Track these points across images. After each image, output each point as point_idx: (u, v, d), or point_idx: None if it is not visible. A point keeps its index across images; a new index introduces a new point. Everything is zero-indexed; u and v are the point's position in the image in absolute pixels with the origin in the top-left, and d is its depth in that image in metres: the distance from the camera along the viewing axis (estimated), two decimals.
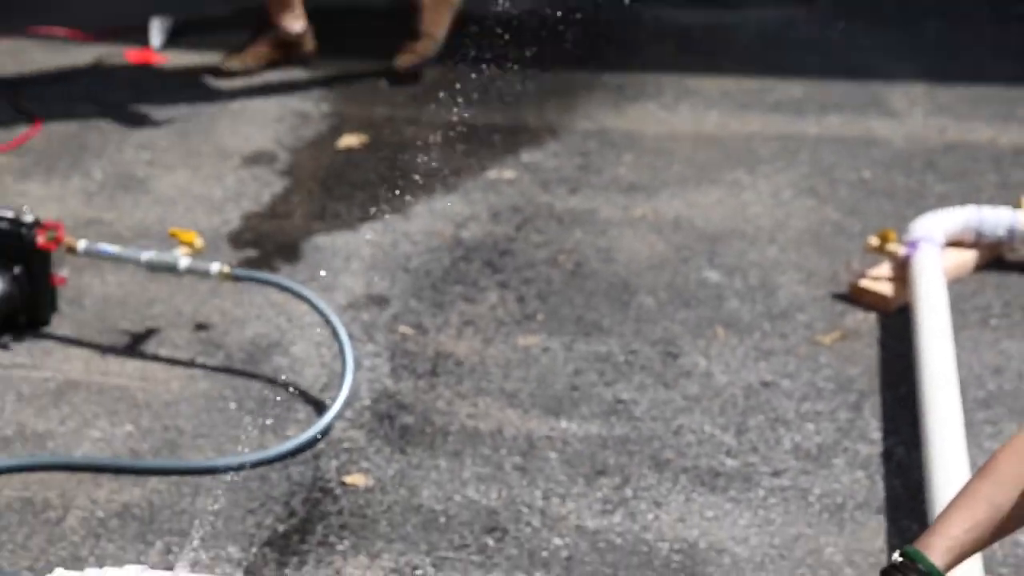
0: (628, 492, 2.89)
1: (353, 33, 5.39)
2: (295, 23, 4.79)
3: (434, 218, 4.04)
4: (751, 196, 4.17)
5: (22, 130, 4.45)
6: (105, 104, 4.68)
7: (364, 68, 5.09)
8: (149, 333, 3.43)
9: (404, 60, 5.04)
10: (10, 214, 3.35)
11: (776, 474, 2.97)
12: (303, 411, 3.16)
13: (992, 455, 2.31)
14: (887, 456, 3.03)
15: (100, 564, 2.44)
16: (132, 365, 3.31)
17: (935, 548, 2.21)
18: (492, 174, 4.31)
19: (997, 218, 3.76)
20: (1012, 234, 3.74)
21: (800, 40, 5.39)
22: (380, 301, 3.60)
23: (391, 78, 4.91)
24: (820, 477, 2.96)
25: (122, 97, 4.75)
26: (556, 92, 4.89)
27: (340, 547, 2.71)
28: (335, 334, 3.27)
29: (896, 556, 2.21)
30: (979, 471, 2.31)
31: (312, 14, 5.45)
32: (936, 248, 3.61)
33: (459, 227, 3.98)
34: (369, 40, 5.30)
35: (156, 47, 5.01)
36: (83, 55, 4.87)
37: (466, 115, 4.56)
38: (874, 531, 2.77)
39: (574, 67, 5.08)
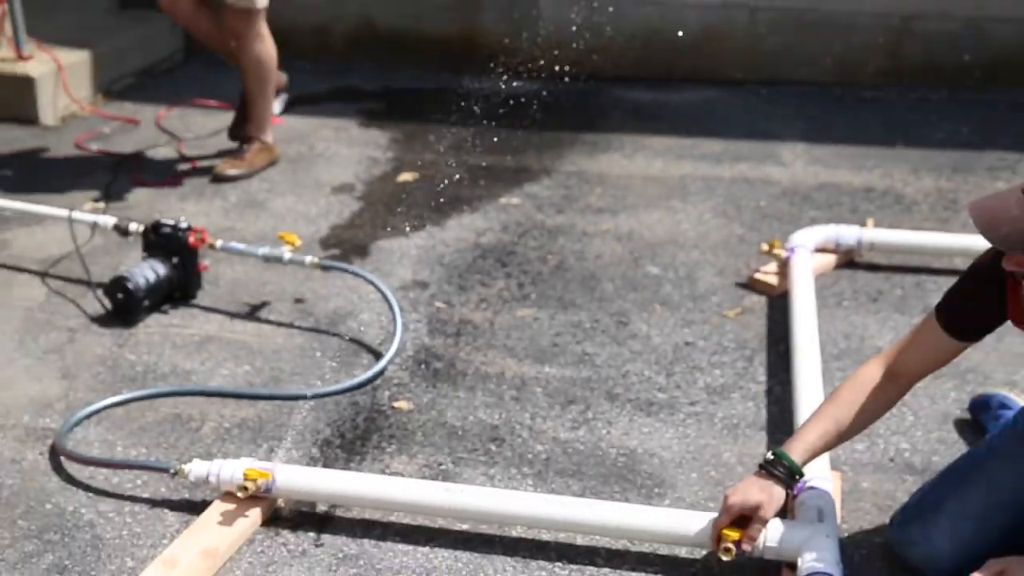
0: (589, 415, 2.91)
1: (409, 104, 5.35)
2: (270, 136, 4.39)
3: (461, 229, 4.01)
4: (682, 217, 4.13)
5: (185, 168, 4.48)
6: None
7: (416, 130, 5.02)
8: (262, 304, 3.43)
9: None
10: (172, 222, 3.36)
11: (692, 404, 2.98)
12: (366, 358, 3.16)
13: (837, 387, 2.30)
14: (769, 392, 3.02)
15: (224, 458, 2.44)
16: (250, 326, 3.31)
17: (795, 450, 2.21)
18: (503, 200, 4.27)
19: (850, 233, 3.73)
20: (859, 244, 3.71)
21: (718, 112, 5.34)
22: (422, 285, 3.58)
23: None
24: (722, 406, 2.96)
25: None
26: (548, 145, 4.85)
27: (388, 450, 2.76)
28: (390, 307, 3.27)
29: (769, 455, 2.23)
30: (828, 397, 2.31)
31: (384, 94, 5.46)
32: (807, 253, 3.59)
33: (479, 235, 3.95)
34: (420, 107, 5.26)
35: (277, 114, 4.98)
36: (226, 119, 4.84)
37: (485, 161, 4.67)
38: (758, 442, 2.80)
39: (561, 129, 5.05)
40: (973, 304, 2.16)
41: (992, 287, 2.09)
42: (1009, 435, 2.35)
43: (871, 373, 2.26)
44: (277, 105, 5.08)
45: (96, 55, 5.15)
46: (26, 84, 4.78)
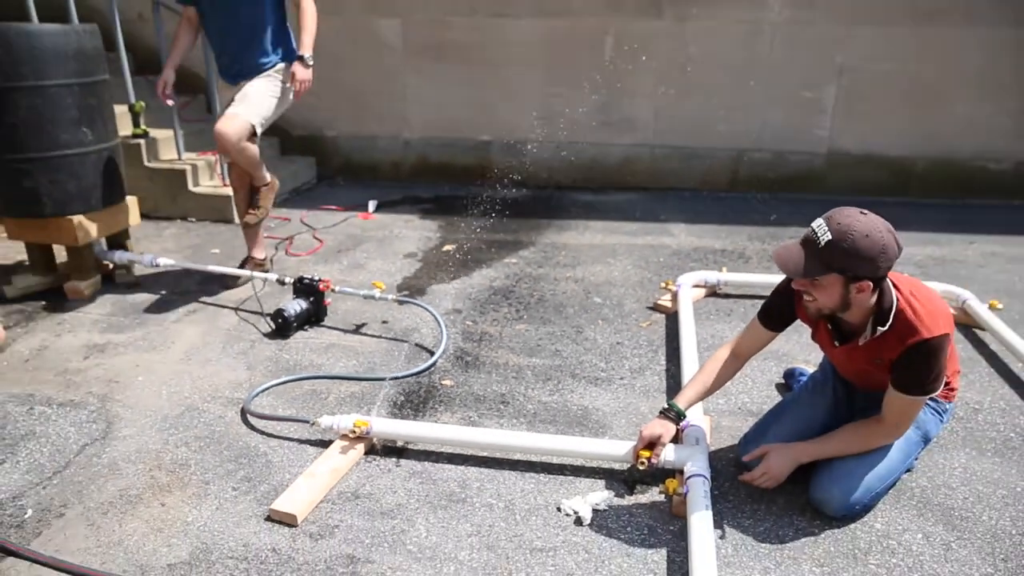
0: (560, 387, 2.85)
1: (450, 204, 5.33)
2: (267, 175, 3.68)
3: (481, 278, 3.94)
4: (614, 268, 4.06)
5: (316, 245, 4.43)
6: (351, 236, 4.65)
7: (454, 220, 4.97)
8: (363, 324, 3.36)
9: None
10: (309, 276, 3.33)
11: (621, 379, 2.91)
12: (424, 355, 3.08)
13: (703, 363, 2.31)
14: (667, 370, 2.97)
15: (341, 415, 2.43)
16: (355, 337, 3.24)
17: (681, 401, 2.21)
18: (506, 260, 4.21)
19: (712, 275, 3.68)
20: (719, 282, 3.65)
21: (634, 207, 5.26)
22: (457, 311, 3.51)
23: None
24: (639, 379, 2.91)
25: (358, 235, 4.70)
26: (532, 228, 4.78)
27: (439, 409, 2.70)
28: (439, 324, 3.23)
29: (665, 405, 2.21)
30: (699, 369, 2.30)
31: (434, 199, 5.48)
32: (689, 287, 3.54)
33: (492, 281, 3.89)
34: (457, 206, 5.23)
35: (371, 211, 5.02)
36: (341, 216, 4.88)
37: (495, 237, 4.55)
38: (661, 400, 2.75)
39: (539, 217, 4.98)
40: (777, 309, 2.18)
41: (787, 298, 2.13)
42: (804, 390, 2.36)
43: (723, 353, 2.25)
44: (371, 206, 5.15)
45: None
46: (226, 200, 4.77)
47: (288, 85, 3.52)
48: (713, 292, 3.72)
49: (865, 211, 1.85)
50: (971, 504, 2.19)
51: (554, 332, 3.33)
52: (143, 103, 4.72)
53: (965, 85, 5.23)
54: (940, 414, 2.16)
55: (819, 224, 1.86)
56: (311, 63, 3.45)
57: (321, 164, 5.92)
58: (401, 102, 5.64)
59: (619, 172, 5.68)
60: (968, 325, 3.35)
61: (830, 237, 1.82)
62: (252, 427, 2.58)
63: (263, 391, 2.78)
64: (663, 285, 3.75)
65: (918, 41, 5.17)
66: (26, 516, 2.14)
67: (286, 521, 2.11)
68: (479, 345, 3.21)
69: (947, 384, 2.12)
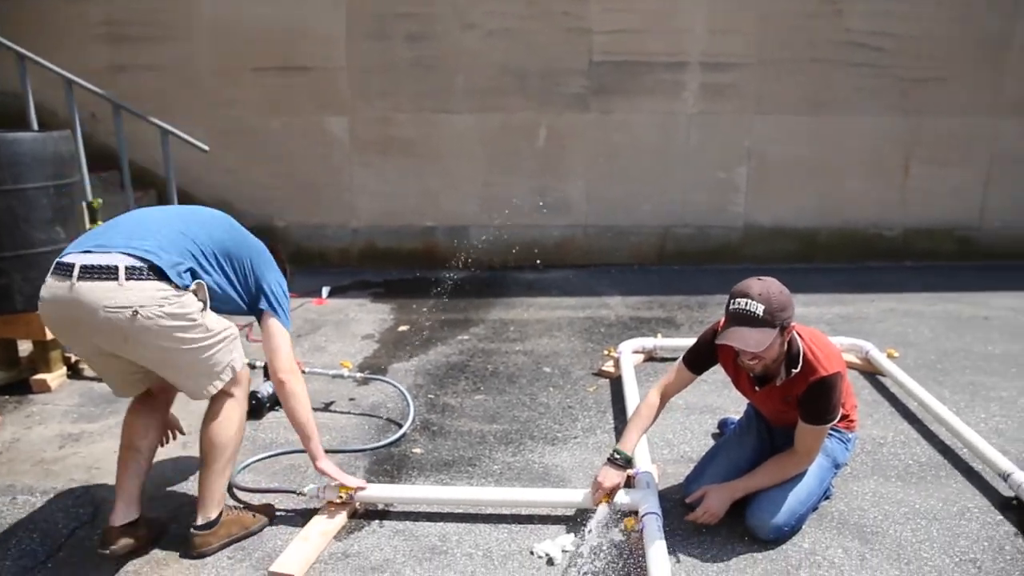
0: (521, 448, 3.07)
1: (400, 288, 5.46)
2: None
3: (437, 355, 4.12)
4: (559, 340, 4.28)
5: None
6: (308, 320, 4.72)
7: (406, 302, 5.10)
8: (331, 402, 3.49)
9: None
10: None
11: (575, 437, 3.14)
12: (394, 428, 3.23)
13: (637, 406, 2.59)
14: (616, 428, 3.19)
15: (324, 484, 2.57)
16: (326, 415, 3.34)
17: (625, 446, 2.43)
18: (459, 337, 4.39)
19: (649, 342, 3.94)
20: (655, 347, 3.92)
21: (572, 283, 5.53)
22: (419, 386, 3.67)
23: None
24: (592, 437, 3.13)
25: (315, 319, 4.78)
26: (480, 307, 4.97)
27: (413, 475, 2.86)
28: (405, 398, 3.40)
29: (614, 453, 2.44)
30: (634, 413, 2.57)
31: (384, 284, 5.66)
32: (628, 353, 3.79)
33: (447, 357, 4.07)
34: (407, 289, 5.38)
35: (325, 296, 5.15)
36: (296, 302, 4.89)
37: (446, 316, 4.74)
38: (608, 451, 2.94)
39: (486, 297, 5.19)
40: (703, 357, 2.51)
41: (710, 348, 2.47)
42: (732, 433, 2.70)
43: (653, 398, 2.54)
44: (324, 291, 5.31)
45: None
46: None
47: None
48: (650, 356, 3.96)
49: (760, 276, 2.26)
50: (879, 521, 2.56)
51: (510, 400, 3.54)
52: (100, 200, 4.91)
53: (858, 164, 5.93)
54: (845, 442, 2.55)
55: (744, 303, 2.20)
56: None
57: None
58: (349, 192, 5.94)
59: (557, 251, 6.05)
60: (871, 372, 3.80)
61: (763, 306, 2.19)
62: (239, 501, 2.67)
63: (246, 467, 2.89)
64: (605, 352, 4.05)
65: (814, 127, 5.85)
66: None
67: None
68: (443, 415, 3.38)
69: (847, 416, 2.52)
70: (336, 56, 5.70)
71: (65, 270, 2.09)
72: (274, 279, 2.40)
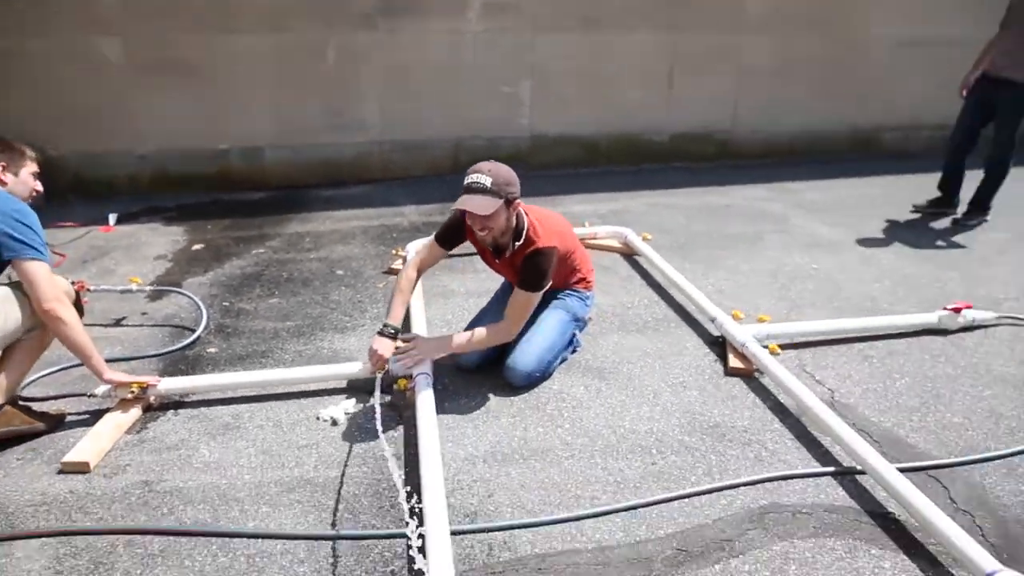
0: (312, 339, 3.25)
1: (194, 211, 5.33)
2: None
3: (233, 268, 4.17)
4: (353, 246, 4.36)
5: (57, 260, 4.38)
6: (94, 247, 4.57)
7: (200, 223, 5.04)
8: (123, 318, 3.44)
9: None
10: (63, 278, 3.42)
11: (363, 326, 3.37)
12: (188, 334, 3.29)
13: (397, 280, 2.81)
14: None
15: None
16: (118, 330, 3.33)
17: (393, 319, 2.74)
18: (254, 251, 4.43)
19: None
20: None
21: (369, 197, 5.58)
22: (213, 296, 3.70)
23: None
24: (378, 324, 3.30)
25: (102, 246, 4.62)
26: (277, 223, 5.00)
27: (208, 371, 2.93)
28: (198, 305, 3.37)
29: (382, 326, 2.68)
30: (395, 288, 2.80)
31: (177, 208, 5.54)
32: (414, 251, 4.08)
33: (243, 270, 4.13)
34: (201, 213, 5.25)
35: (112, 223, 5.00)
36: (80, 231, 4.80)
37: (241, 233, 4.74)
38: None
39: (283, 213, 5.22)
40: (451, 234, 2.84)
41: (459, 225, 2.80)
42: (494, 298, 3.04)
43: (410, 271, 2.84)
44: (111, 218, 5.17)
45: None
46: None
47: None
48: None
49: (490, 160, 2.60)
50: (617, 364, 3.10)
51: (303, 300, 3.74)
52: None
53: (631, 77, 6.51)
54: (583, 299, 3.04)
55: (475, 176, 2.53)
56: None
57: (46, 184, 5.71)
58: (131, 118, 5.71)
59: (354, 168, 6.17)
60: (630, 254, 4.40)
61: (490, 179, 2.53)
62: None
63: (32, 382, 2.94)
64: (394, 252, 4.34)
65: (590, 43, 6.33)
66: None
67: (79, 469, 2.41)
68: (237, 319, 3.53)
69: (584, 279, 3.00)
70: None
71: None
72: (6, 222, 2.34)
